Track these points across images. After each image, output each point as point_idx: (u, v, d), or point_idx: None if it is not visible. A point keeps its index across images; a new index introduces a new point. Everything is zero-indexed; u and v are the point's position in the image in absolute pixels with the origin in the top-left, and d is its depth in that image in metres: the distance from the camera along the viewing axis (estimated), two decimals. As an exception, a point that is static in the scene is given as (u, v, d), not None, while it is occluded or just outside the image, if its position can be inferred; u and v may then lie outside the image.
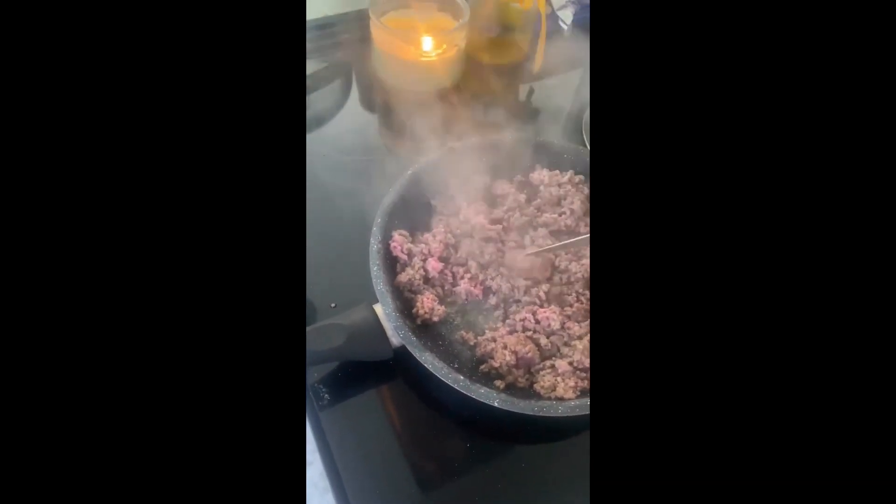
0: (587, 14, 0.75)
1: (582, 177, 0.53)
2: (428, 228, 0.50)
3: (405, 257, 0.46)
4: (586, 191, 0.53)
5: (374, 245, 0.44)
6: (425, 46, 0.62)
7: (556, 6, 0.74)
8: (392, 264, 0.46)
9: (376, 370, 0.43)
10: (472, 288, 0.46)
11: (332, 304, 0.47)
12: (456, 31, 0.62)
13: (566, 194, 0.52)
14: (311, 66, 0.68)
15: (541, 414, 0.37)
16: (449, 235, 0.48)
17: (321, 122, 0.63)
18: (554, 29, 0.74)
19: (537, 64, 0.67)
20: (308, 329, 0.40)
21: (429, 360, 0.39)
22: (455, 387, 0.38)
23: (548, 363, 0.42)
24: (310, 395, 0.42)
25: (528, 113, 0.68)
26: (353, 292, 0.45)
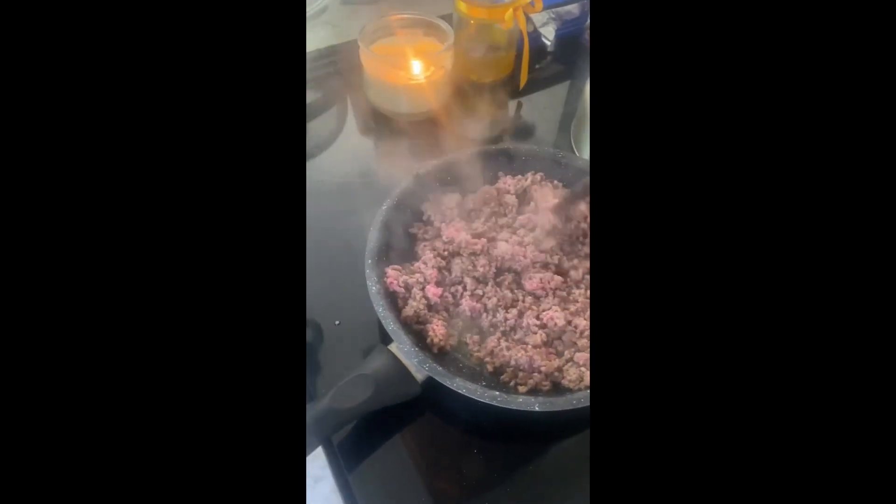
0: (569, 30, 0.78)
1: (542, 174, 0.56)
2: (415, 257, 0.50)
3: (403, 290, 0.46)
4: (550, 185, 0.55)
5: (373, 287, 0.44)
6: (414, 70, 0.64)
7: (538, 24, 0.77)
8: (393, 300, 0.46)
9: (399, 412, 0.42)
10: (475, 303, 0.47)
11: (336, 322, 0.47)
12: (442, 54, 0.63)
13: (533, 194, 0.54)
14: (308, 97, 0.70)
15: (581, 406, 0.39)
16: (439, 259, 0.49)
17: (321, 148, 0.64)
18: (538, 45, 0.77)
19: (522, 80, 0.70)
20: (336, 388, 0.39)
21: (462, 386, 0.39)
22: (494, 404, 0.39)
23: (565, 358, 0.44)
24: (338, 458, 0.41)
25: (518, 127, 0.70)
26: (355, 308, 0.47)
